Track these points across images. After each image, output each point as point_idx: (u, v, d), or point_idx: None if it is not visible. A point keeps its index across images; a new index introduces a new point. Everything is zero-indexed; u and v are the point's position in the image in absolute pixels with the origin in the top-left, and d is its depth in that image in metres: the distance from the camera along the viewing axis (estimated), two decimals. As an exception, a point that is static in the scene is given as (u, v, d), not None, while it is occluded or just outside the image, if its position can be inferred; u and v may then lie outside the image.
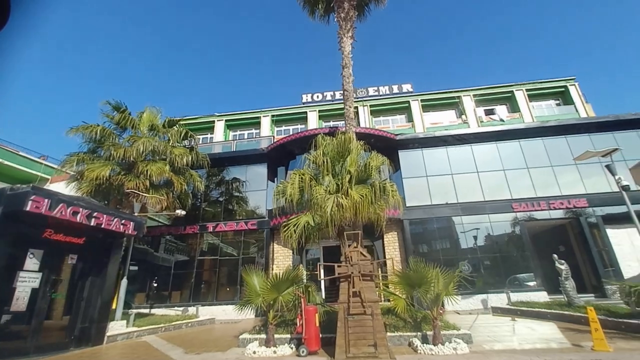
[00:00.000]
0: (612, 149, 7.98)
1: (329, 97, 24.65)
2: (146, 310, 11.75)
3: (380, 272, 9.59)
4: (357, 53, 12.43)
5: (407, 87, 24.54)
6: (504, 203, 12.37)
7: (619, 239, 11.62)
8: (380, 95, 24.38)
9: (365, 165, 8.10)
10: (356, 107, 22.83)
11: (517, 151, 13.29)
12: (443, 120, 22.99)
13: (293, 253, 12.86)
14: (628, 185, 7.55)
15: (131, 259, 9.50)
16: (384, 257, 12.32)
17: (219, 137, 23.41)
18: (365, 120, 22.99)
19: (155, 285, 13.36)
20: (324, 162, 7.90)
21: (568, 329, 7.33)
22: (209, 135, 23.91)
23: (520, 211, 12.18)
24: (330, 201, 6.87)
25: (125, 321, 8.55)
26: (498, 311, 10.06)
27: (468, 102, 23.23)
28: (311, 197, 7.35)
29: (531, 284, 11.44)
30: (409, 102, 23.70)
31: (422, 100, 23.78)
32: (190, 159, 11.79)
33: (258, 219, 13.52)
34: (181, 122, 13.18)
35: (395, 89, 24.53)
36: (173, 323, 9.60)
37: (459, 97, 23.62)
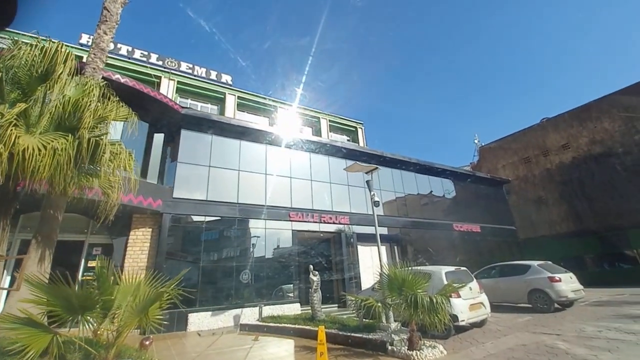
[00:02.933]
0: (373, 167, 8.46)
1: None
2: None
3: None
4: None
5: (226, 78, 22.41)
6: (283, 210, 11.86)
7: (365, 254, 13.30)
8: (195, 76, 21.05)
9: (75, 104, 4.90)
10: (158, 78, 18.50)
11: (305, 163, 13.42)
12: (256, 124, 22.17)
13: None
14: (378, 202, 8.06)
15: None
16: (122, 261, 8.92)
17: None
18: (171, 97, 18.92)
19: None
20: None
21: (304, 348, 6.55)
22: None
23: (295, 221, 11.97)
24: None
25: None
26: (246, 328, 8.74)
27: (282, 113, 23.57)
28: None
29: (291, 295, 11.11)
30: (225, 94, 21.52)
31: (239, 97, 22.15)
32: None
33: None
34: None
35: (213, 75, 21.87)
36: None
37: (275, 106, 23.68)
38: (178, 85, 19.83)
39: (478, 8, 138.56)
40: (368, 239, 13.85)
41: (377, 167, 8.35)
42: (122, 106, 6.07)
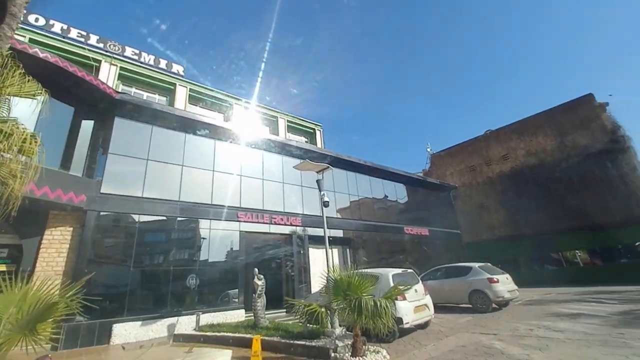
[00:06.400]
0: (324, 166, 8.17)
1: None
2: None
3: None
4: None
5: (178, 69, 20.91)
6: (231, 210, 11.14)
7: (317, 257, 13.00)
8: (141, 63, 19.35)
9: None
10: (97, 61, 16.76)
11: (257, 162, 12.82)
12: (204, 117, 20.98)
13: None
14: (328, 202, 7.77)
15: None
16: (34, 265, 7.63)
17: None
18: (111, 84, 17.14)
19: None
20: None
21: (242, 359, 6.02)
22: None
23: (244, 221, 11.31)
24: None
25: None
26: (180, 339, 7.91)
27: (238, 110, 22.62)
28: None
29: (237, 300, 10.41)
30: (175, 85, 20.07)
31: (192, 90, 20.81)
32: None
33: None
34: None
35: (163, 64, 20.30)
36: None
37: (230, 102, 22.66)
38: (121, 72, 18.07)
39: (438, 17, 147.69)
40: (321, 241, 13.55)
41: (328, 167, 8.08)
42: (30, 80, 5.10)
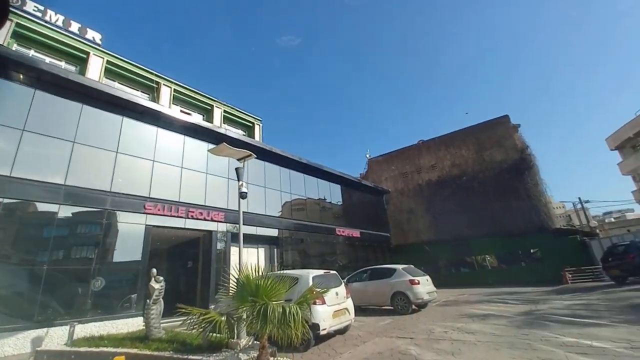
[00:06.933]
0: (247, 153, 7.21)
1: None
2: None
3: None
4: None
5: (94, 36, 17.82)
6: (137, 200, 9.48)
7: (237, 257, 11.86)
8: (46, 22, 16.04)
9: None
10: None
11: (177, 147, 11.26)
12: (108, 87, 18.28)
13: None
14: (246, 193, 6.84)
15: None
16: None
17: None
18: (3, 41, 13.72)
19: None
20: None
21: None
22: None
23: (153, 214, 9.71)
24: None
25: None
26: (44, 356, 6.21)
27: (166, 93, 20.26)
28: None
29: (135, 306, 8.78)
30: (89, 54, 17.07)
31: (110, 63, 17.96)
32: None
33: None
34: None
35: (75, 27, 17.13)
36: None
37: (158, 83, 20.21)
38: (17, 29, 14.73)
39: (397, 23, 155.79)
40: (247, 240, 12.49)
41: (251, 154, 7.14)
42: None
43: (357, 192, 20.78)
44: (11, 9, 14.82)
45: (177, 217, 10.38)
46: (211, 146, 12.20)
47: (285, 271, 9.78)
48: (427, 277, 10.50)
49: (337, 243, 17.02)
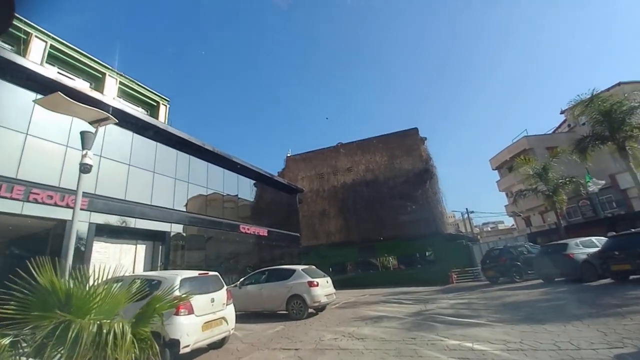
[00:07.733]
0: (106, 115, 5.38)
1: None
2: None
3: None
4: None
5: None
6: None
7: (106, 255, 9.55)
8: None
9: None
10: None
11: (25, 109, 8.42)
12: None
13: None
14: (90, 166, 5.05)
15: None
16: None
17: None
18: None
19: None
20: None
21: None
22: None
23: (-37, 192, 6.89)
24: None
25: None
26: None
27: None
28: None
29: None
30: (29, 34, 13.16)
31: (53, 47, 14.91)
32: None
33: None
34: None
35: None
36: None
37: (104, 73, 17.47)
38: None
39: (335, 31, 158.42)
40: (118, 233, 10.17)
41: (109, 116, 5.35)
42: None
43: (269, 189, 19.61)
44: None
45: (11, 199, 7.65)
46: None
47: (146, 273, 8.04)
48: (328, 278, 9.94)
49: (241, 242, 15.54)
